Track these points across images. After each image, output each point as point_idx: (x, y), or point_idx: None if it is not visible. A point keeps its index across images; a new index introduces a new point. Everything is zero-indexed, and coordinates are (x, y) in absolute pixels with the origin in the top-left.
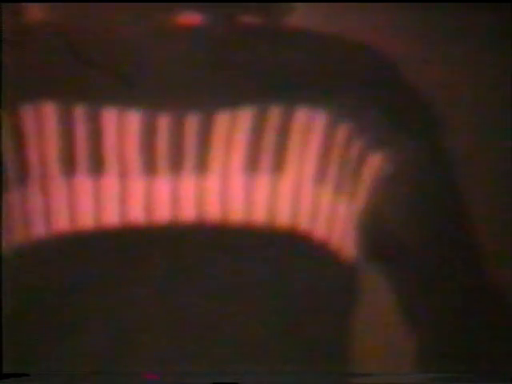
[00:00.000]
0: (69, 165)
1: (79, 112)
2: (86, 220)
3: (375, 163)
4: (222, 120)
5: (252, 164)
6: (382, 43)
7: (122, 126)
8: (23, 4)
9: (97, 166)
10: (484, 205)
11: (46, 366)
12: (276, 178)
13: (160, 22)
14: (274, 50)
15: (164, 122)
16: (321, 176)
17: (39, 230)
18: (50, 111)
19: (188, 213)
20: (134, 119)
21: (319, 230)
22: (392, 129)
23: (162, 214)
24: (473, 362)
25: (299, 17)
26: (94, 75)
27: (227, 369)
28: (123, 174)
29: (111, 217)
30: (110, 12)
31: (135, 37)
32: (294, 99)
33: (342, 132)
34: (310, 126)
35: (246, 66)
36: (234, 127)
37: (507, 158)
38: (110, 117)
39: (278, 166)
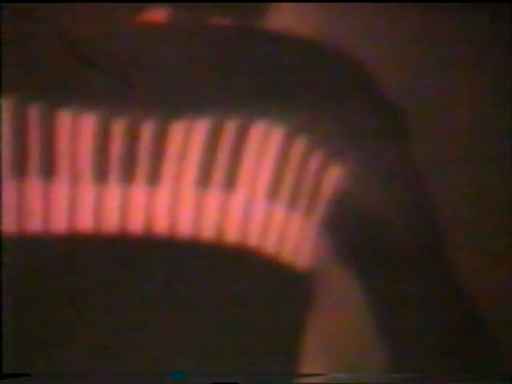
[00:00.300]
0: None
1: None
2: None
3: (333, 176)
4: (177, 131)
5: (204, 179)
6: (349, 47)
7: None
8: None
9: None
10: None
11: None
12: (227, 193)
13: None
14: (235, 60)
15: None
16: (274, 191)
17: None
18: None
19: (137, 224)
20: (88, 123)
21: (270, 245)
22: (351, 140)
23: (111, 223)
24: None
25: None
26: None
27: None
28: (74, 180)
29: (60, 222)
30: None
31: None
32: (251, 112)
33: (298, 146)
34: (266, 140)
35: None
36: (188, 139)
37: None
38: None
39: (231, 181)
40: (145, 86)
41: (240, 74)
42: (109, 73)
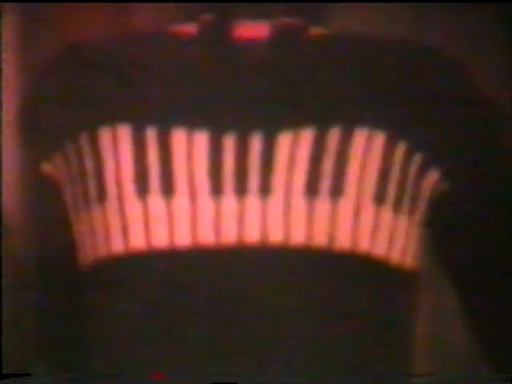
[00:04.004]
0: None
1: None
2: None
3: (433, 177)
4: (283, 141)
5: (313, 187)
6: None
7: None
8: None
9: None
10: None
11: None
12: (336, 200)
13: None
14: (327, 66)
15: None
16: (380, 195)
17: (116, 248)
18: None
19: (253, 235)
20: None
21: (379, 250)
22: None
23: (229, 236)
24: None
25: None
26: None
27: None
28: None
29: (183, 237)
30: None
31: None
32: (353, 117)
33: (400, 149)
34: (368, 144)
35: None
36: (295, 148)
37: None
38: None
39: (338, 188)
40: (252, 101)
41: (335, 78)
42: None
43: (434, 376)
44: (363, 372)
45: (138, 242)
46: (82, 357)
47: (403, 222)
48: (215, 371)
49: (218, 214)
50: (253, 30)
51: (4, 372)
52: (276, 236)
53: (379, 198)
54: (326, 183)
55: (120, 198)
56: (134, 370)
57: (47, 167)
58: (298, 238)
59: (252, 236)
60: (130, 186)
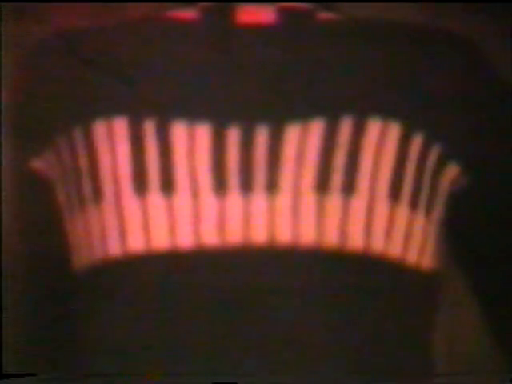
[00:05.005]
0: None
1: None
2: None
3: (451, 173)
4: (292, 134)
5: (323, 182)
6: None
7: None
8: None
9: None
10: None
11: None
12: (348, 196)
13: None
14: (337, 53)
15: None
16: (395, 191)
17: (113, 249)
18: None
19: (260, 233)
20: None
21: (395, 249)
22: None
23: (234, 234)
24: None
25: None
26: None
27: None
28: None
29: (185, 236)
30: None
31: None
32: (365, 108)
33: (415, 142)
34: (382, 138)
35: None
36: (304, 142)
37: None
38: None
39: (350, 183)
40: (253, 90)
41: (346, 66)
42: None
43: (455, 376)
44: (371, 373)
45: (136, 243)
46: (81, 357)
47: (420, 219)
48: (215, 371)
49: (221, 213)
50: (257, 14)
51: (4, 372)
52: (284, 236)
53: (394, 194)
54: (337, 179)
55: (117, 196)
56: (134, 370)
57: (38, 164)
58: (307, 237)
59: (259, 236)
60: (127, 184)
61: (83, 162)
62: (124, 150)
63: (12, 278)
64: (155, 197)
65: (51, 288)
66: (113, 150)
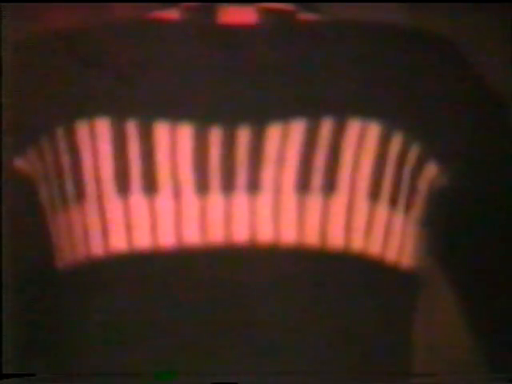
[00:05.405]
0: None
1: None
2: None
3: (430, 172)
4: (273, 134)
5: (304, 183)
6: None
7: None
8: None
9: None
10: None
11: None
12: (328, 196)
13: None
14: (318, 53)
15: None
16: (375, 191)
17: (96, 248)
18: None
19: (240, 233)
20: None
21: (374, 249)
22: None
23: (216, 234)
24: None
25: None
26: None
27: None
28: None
29: (167, 236)
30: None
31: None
32: (346, 109)
33: (395, 142)
34: (362, 138)
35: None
36: (285, 142)
37: None
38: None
39: (331, 183)
40: (238, 91)
41: (326, 67)
42: None
43: (434, 376)
44: (363, 372)
45: (118, 243)
46: (80, 357)
47: (399, 219)
48: (215, 371)
49: (203, 213)
50: (241, 15)
51: (4, 372)
52: (265, 235)
53: (374, 194)
54: (317, 178)
55: (99, 196)
56: (134, 370)
57: (20, 163)
58: (288, 236)
59: (240, 235)
60: (109, 184)
61: (65, 161)
62: (106, 149)
63: (8, 277)
64: (137, 196)
65: (39, 287)
66: (95, 150)
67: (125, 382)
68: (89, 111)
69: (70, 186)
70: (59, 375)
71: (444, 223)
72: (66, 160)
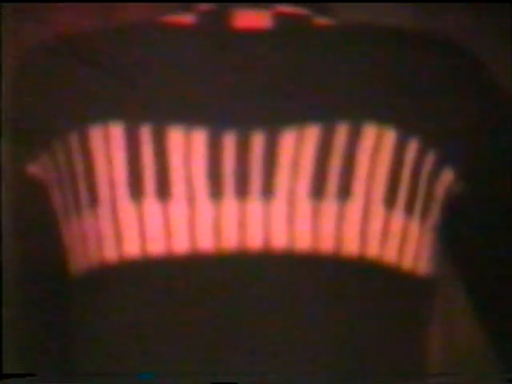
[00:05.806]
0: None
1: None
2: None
3: (447, 179)
4: (288, 140)
5: (319, 189)
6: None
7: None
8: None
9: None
10: None
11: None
12: (343, 202)
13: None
14: (332, 58)
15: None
16: (390, 197)
17: (109, 253)
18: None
19: (254, 239)
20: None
21: (390, 256)
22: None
23: (230, 240)
24: None
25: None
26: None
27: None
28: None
29: (181, 242)
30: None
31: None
32: (360, 114)
33: (411, 148)
34: (378, 143)
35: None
36: (299, 148)
37: None
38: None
39: (346, 189)
40: (253, 96)
41: (342, 71)
42: None
43: (445, 376)
44: (370, 373)
45: (132, 248)
46: (80, 357)
47: (415, 225)
48: (215, 371)
49: (217, 219)
50: (253, 19)
51: (4, 372)
52: (280, 241)
53: (390, 200)
54: (332, 184)
55: (112, 201)
56: (134, 370)
57: (33, 168)
58: (303, 243)
59: (254, 241)
60: (123, 189)
61: (79, 166)
62: (120, 154)
63: (11, 278)
64: (151, 202)
65: (49, 290)
66: (109, 155)
67: (125, 381)
68: (102, 117)
69: (83, 192)
70: (59, 375)
71: (460, 230)
72: (79, 166)
